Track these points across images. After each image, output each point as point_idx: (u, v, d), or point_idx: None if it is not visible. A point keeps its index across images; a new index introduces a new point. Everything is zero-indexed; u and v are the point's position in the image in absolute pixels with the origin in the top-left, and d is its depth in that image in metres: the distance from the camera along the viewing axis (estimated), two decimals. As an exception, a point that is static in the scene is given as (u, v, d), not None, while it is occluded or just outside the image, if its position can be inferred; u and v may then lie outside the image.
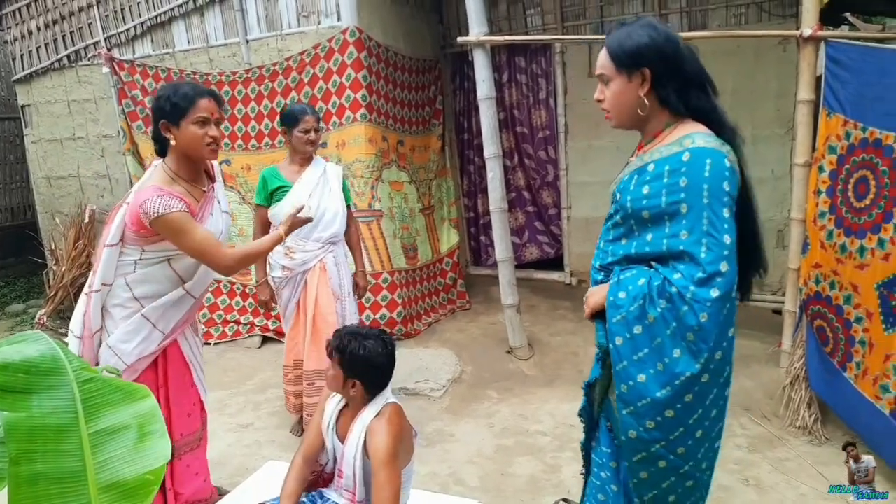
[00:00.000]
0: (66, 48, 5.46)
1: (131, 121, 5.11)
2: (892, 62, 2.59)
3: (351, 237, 3.32)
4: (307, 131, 3.07)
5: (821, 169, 2.97)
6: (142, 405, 1.19)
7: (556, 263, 5.42)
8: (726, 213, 1.45)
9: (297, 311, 3.17)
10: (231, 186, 4.77)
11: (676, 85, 1.52)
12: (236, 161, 4.73)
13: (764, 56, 4.23)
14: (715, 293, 1.43)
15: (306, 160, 3.14)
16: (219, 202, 2.31)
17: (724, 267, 1.43)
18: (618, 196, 1.65)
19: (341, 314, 3.18)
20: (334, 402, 2.14)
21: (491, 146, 3.93)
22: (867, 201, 2.70)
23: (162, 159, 2.23)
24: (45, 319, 5.41)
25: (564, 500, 2.52)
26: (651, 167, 1.55)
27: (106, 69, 5.07)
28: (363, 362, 1.96)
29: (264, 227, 3.14)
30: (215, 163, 2.36)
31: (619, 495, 1.75)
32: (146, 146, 5.10)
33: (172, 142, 2.13)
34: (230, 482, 2.79)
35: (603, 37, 1.66)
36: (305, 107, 3.15)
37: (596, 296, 1.64)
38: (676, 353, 1.47)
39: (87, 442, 1.10)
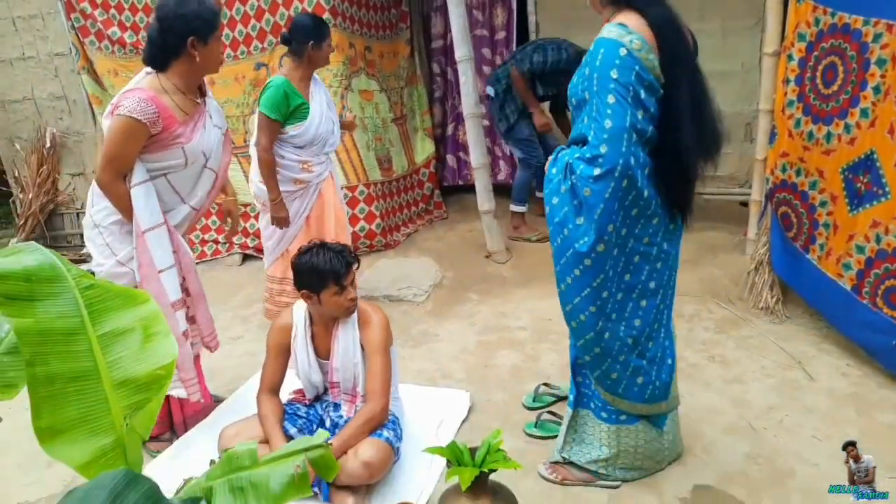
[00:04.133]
0: (1, -42, 5.07)
1: (83, 36, 4.84)
2: (862, -58, 2.57)
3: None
4: (330, 45, 3.02)
5: (790, 58, 2.99)
6: (143, 309, 1.23)
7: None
8: (611, 99, 1.63)
9: (306, 222, 3.19)
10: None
11: None
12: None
13: (736, -57, 4.13)
14: (596, 172, 1.65)
15: (311, 76, 3.05)
16: (210, 116, 2.32)
17: (603, 149, 1.64)
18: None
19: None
20: (301, 331, 2.21)
21: (462, 47, 3.84)
22: (835, 87, 2.75)
23: (154, 71, 2.18)
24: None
25: (545, 384, 2.69)
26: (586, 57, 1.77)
27: (48, -20, 4.76)
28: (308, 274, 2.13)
29: (273, 140, 2.98)
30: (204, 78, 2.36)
31: None
32: (102, 63, 4.87)
33: (197, 59, 2.13)
34: (227, 389, 2.91)
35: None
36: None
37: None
38: (580, 220, 1.72)
39: (95, 343, 1.15)
